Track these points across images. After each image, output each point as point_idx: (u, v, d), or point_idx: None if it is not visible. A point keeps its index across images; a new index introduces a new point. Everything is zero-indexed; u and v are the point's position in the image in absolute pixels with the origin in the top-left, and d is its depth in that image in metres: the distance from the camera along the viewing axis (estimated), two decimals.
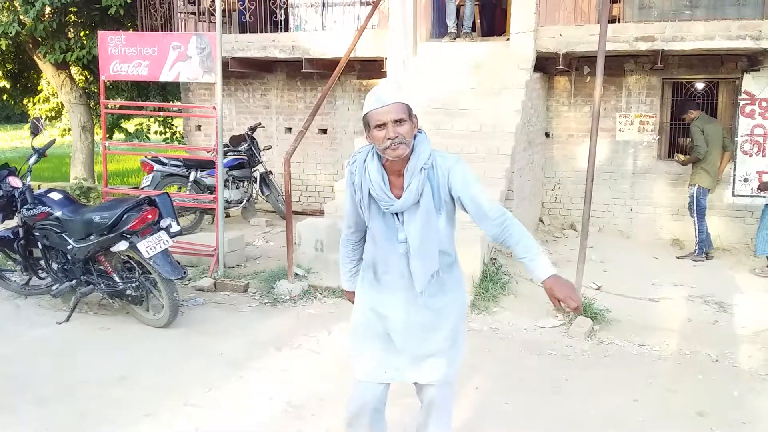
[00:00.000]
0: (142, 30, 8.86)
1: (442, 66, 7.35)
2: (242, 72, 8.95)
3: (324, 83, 7.98)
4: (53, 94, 13.31)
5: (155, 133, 13.02)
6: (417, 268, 2.44)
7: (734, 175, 7.53)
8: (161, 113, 11.87)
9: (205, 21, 9.06)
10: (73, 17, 10.36)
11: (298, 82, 9.24)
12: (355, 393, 2.64)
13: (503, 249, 6.43)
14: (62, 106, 12.72)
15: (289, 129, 9.32)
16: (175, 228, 4.85)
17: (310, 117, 6.14)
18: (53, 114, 13.96)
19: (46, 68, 10.67)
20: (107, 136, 8.34)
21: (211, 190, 7.40)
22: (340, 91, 9.03)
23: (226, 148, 7.60)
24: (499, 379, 4.07)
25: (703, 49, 6.89)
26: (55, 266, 5.11)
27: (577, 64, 7.91)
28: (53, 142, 5.76)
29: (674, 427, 3.55)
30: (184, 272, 4.92)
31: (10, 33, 9.34)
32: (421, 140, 2.40)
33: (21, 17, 9.40)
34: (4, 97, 13.39)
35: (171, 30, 8.83)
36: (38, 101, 13.82)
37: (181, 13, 9.19)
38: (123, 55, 6.14)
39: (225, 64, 7.74)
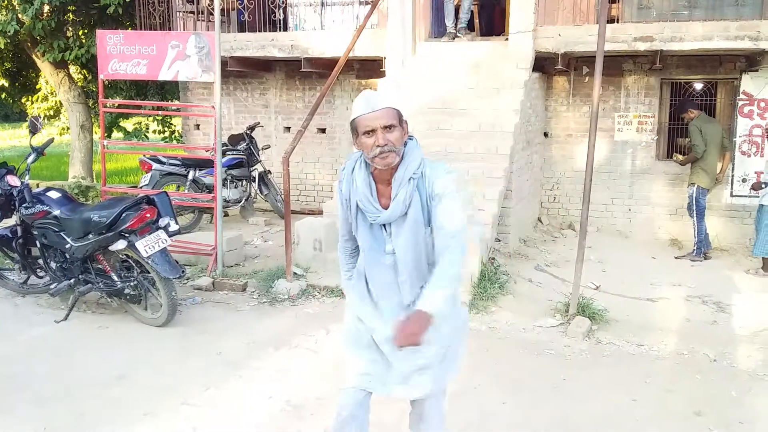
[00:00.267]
0: (141, 29, 8.85)
1: (441, 66, 7.35)
2: (241, 71, 8.95)
3: (323, 83, 7.98)
4: (52, 93, 13.28)
5: (154, 132, 13.02)
6: (405, 280, 2.39)
7: (732, 176, 7.54)
8: (160, 112, 11.83)
9: (203, 20, 9.05)
10: (71, 16, 10.35)
11: (296, 82, 9.24)
12: (338, 400, 2.59)
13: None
14: (61, 104, 12.70)
15: (288, 128, 9.32)
16: (173, 227, 4.85)
17: (308, 116, 6.14)
18: (52, 113, 13.94)
19: (44, 67, 10.65)
20: (106, 135, 8.32)
21: (210, 189, 7.39)
22: (339, 91, 9.02)
23: (224, 148, 7.59)
24: (497, 378, 4.08)
25: (702, 50, 6.89)
26: (53, 265, 5.10)
27: (576, 64, 7.91)
28: (52, 140, 5.75)
29: (672, 426, 3.56)
30: (183, 271, 4.92)
31: (9, 32, 9.32)
32: (412, 148, 2.32)
33: (19, 16, 9.39)
34: (3, 96, 13.36)
35: (170, 29, 8.82)
36: (37, 100, 13.80)
37: (179, 12, 9.18)
38: (121, 54, 6.13)
39: (224, 63, 7.74)
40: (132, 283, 4.82)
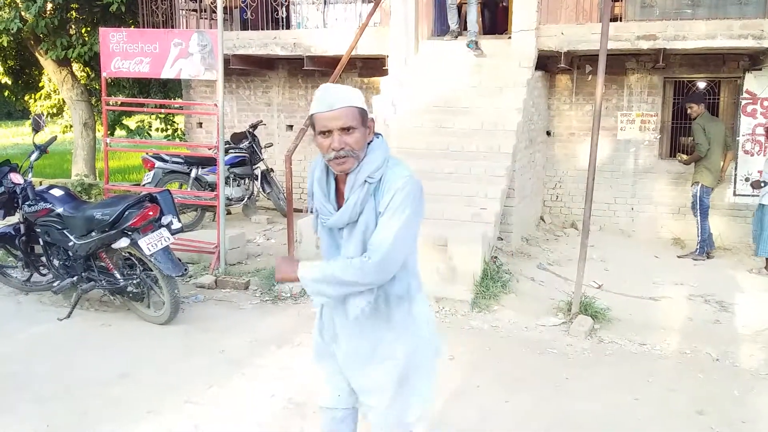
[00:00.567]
0: (144, 27, 8.85)
1: (444, 64, 7.35)
2: (244, 69, 8.95)
3: (325, 81, 7.96)
4: (55, 91, 13.33)
5: (156, 130, 13.04)
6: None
7: (735, 175, 7.53)
8: (162, 110, 11.87)
9: (206, 18, 9.07)
10: (74, 14, 10.37)
11: (299, 80, 9.24)
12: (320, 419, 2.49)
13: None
14: (64, 102, 12.73)
15: (291, 126, 9.32)
16: (176, 225, 4.85)
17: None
18: (55, 111, 13.99)
19: (47, 65, 10.67)
20: (108, 132, 8.33)
21: (213, 187, 7.41)
22: None
23: (227, 146, 7.60)
24: (499, 377, 4.07)
25: (705, 48, 6.88)
26: (56, 263, 5.11)
27: (579, 63, 7.90)
28: (54, 138, 5.76)
29: (674, 426, 3.55)
30: (185, 269, 4.94)
31: (12, 29, 9.35)
32: (374, 148, 2.09)
33: (22, 14, 9.41)
34: (6, 94, 13.40)
35: (172, 27, 8.82)
36: (40, 98, 13.84)
37: (182, 9, 9.18)
38: (124, 51, 6.14)
39: (226, 61, 7.72)
40: (135, 281, 4.83)
